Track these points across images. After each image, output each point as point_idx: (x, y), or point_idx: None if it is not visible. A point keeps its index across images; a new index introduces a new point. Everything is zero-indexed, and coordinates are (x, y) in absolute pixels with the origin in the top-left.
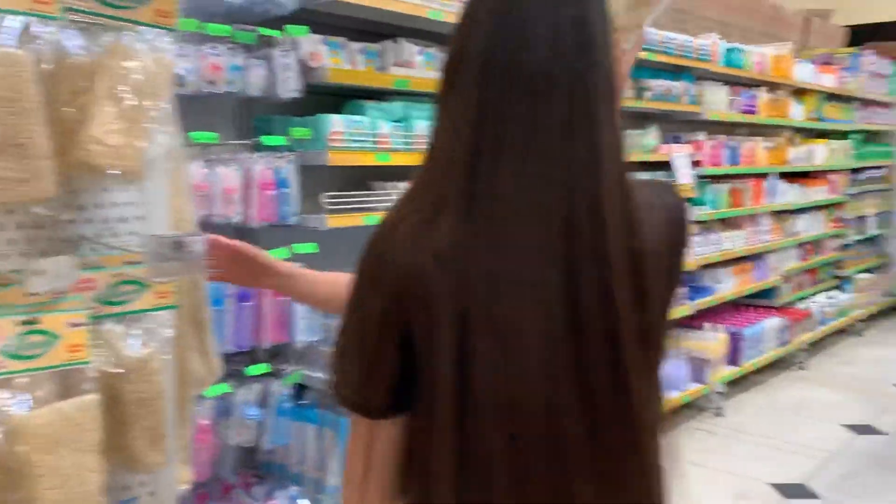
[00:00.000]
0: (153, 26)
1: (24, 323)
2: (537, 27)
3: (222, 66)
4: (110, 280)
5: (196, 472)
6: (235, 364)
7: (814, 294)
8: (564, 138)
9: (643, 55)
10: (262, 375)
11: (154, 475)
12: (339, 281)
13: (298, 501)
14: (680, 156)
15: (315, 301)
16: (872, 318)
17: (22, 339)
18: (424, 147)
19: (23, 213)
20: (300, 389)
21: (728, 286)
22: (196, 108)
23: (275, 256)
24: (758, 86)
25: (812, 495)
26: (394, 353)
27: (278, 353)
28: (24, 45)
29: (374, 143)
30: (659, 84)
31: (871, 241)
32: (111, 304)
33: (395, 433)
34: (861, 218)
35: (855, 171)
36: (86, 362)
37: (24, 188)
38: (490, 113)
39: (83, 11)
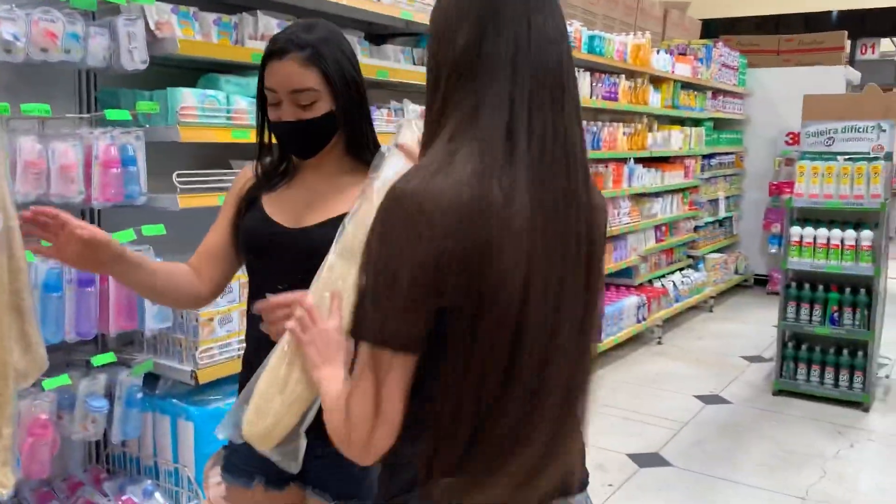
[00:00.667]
0: None
1: None
2: (549, 34)
3: (57, 33)
4: None
5: (36, 470)
6: (79, 354)
7: (669, 273)
8: (572, 125)
9: None
10: (109, 365)
11: None
12: (175, 271)
13: (155, 494)
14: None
15: (152, 292)
16: (722, 295)
17: None
18: (428, 120)
19: None
20: (153, 379)
21: None
22: (29, 78)
23: (119, 239)
24: (618, 73)
25: (665, 463)
26: (429, 297)
27: (128, 342)
28: None
29: (229, 118)
30: None
31: (721, 222)
32: None
33: (406, 376)
34: (713, 201)
35: (706, 156)
36: None
37: None
38: (519, 102)
39: None
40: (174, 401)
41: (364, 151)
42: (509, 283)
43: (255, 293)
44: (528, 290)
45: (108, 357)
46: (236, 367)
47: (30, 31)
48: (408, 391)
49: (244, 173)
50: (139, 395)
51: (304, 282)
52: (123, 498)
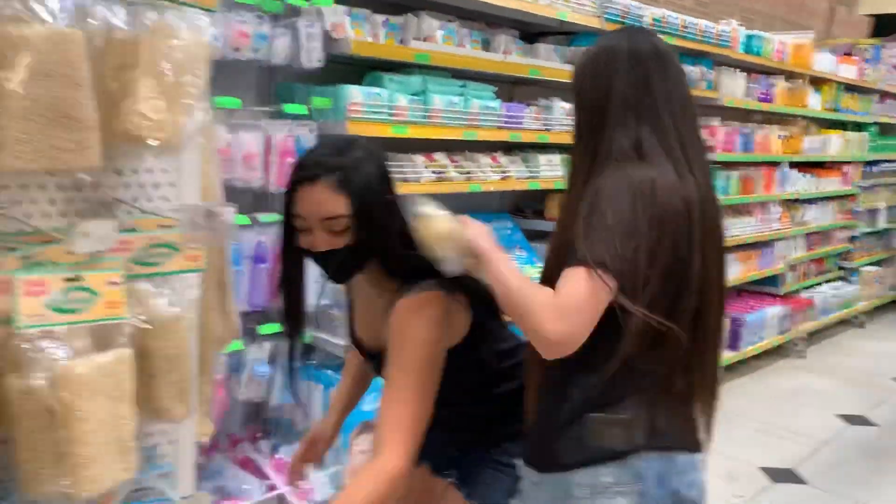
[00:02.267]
0: (194, 6)
1: (68, 280)
2: (683, 71)
3: (249, 34)
4: (145, 242)
5: None
6: (249, 322)
7: (819, 284)
8: (702, 138)
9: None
10: (274, 335)
11: (177, 426)
12: (356, 379)
13: None
14: None
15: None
16: (876, 311)
17: (66, 294)
18: (586, 147)
19: (64, 175)
20: (309, 350)
21: (733, 272)
22: (220, 74)
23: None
24: (776, 73)
25: (800, 480)
26: (653, 245)
27: None
28: (76, 22)
29: (391, 115)
30: None
31: (880, 234)
32: (145, 264)
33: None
34: (872, 211)
35: (869, 163)
36: (123, 318)
37: (74, 157)
38: (681, 123)
39: None
40: (328, 371)
41: (398, 272)
42: (695, 245)
43: None
44: (704, 253)
45: (275, 327)
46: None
47: (226, 33)
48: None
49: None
50: (298, 364)
51: None
52: (277, 456)
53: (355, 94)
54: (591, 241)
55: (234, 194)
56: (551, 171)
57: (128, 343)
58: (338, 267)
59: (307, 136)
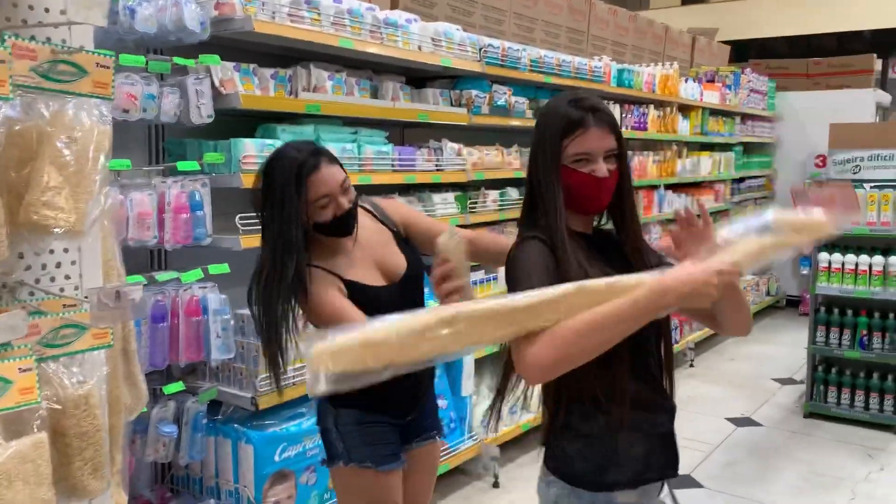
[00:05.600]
0: (92, 96)
1: None
2: None
3: (137, 95)
4: (53, 325)
5: None
6: (151, 383)
7: None
8: None
9: (540, 78)
10: (178, 393)
11: (95, 501)
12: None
13: None
14: None
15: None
16: (754, 316)
17: None
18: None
19: None
20: (216, 406)
21: None
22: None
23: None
24: (647, 103)
25: (697, 484)
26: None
27: (193, 371)
28: None
29: None
30: None
31: None
32: (53, 346)
33: None
34: None
35: (736, 181)
36: (37, 402)
37: None
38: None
39: (29, 87)
40: (235, 426)
41: None
42: None
43: None
44: None
45: (178, 386)
46: (293, 394)
47: (115, 96)
48: None
49: (324, 277)
50: (204, 421)
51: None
52: None
53: (248, 146)
54: None
55: (129, 254)
56: (445, 208)
57: (42, 426)
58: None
59: (201, 191)
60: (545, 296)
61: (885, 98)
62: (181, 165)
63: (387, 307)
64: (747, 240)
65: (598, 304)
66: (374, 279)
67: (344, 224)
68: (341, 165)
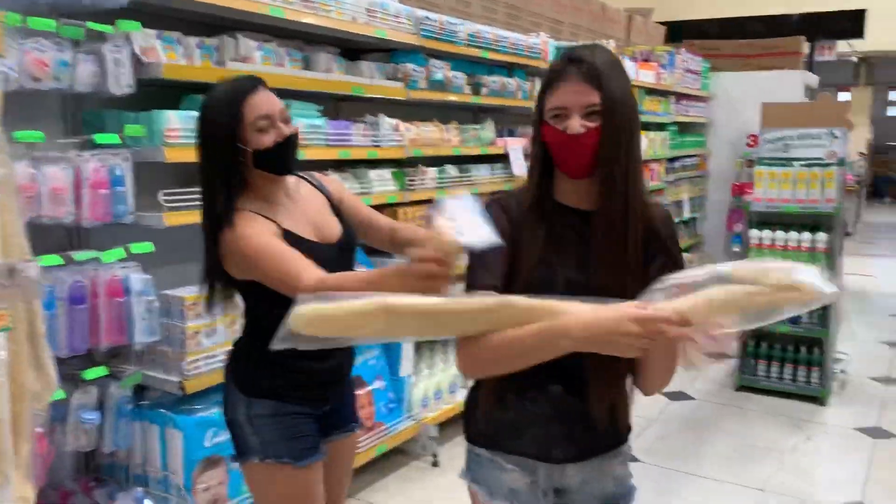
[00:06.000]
0: None
1: None
2: None
3: (48, 62)
4: None
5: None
6: (71, 368)
7: None
8: None
9: (478, 53)
10: (100, 378)
11: None
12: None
13: (144, 502)
14: (515, 148)
15: None
16: None
17: None
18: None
19: None
20: (141, 391)
21: None
22: (20, 105)
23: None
24: None
25: (633, 459)
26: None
27: (116, 355)
28: None
29: None
30: (494, 80)
31: (686, 223)
32: None
33: None
34: (678, 202)
35: (671, 160)
36: None
37: None
38: None
39: None
40: (162, 411)
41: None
42: None
43: None
44: None
45: (100, 371)
46: (221, 378)
47: (22, 61)
48: None
49: (258, 219)
50: (129, 406)
51: None
52: None
53: (172, 119)
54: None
55: (43, 232)
56: (382, 185)
57: None
58: (295, 148)
59: (122, 165)
60: (471, 305)
61: (813, 79)
62: (99, 138)
63: (323, 267)
64: (710, 290)
65: (528, 321)
66: (311, 236)
67: (285, 153)
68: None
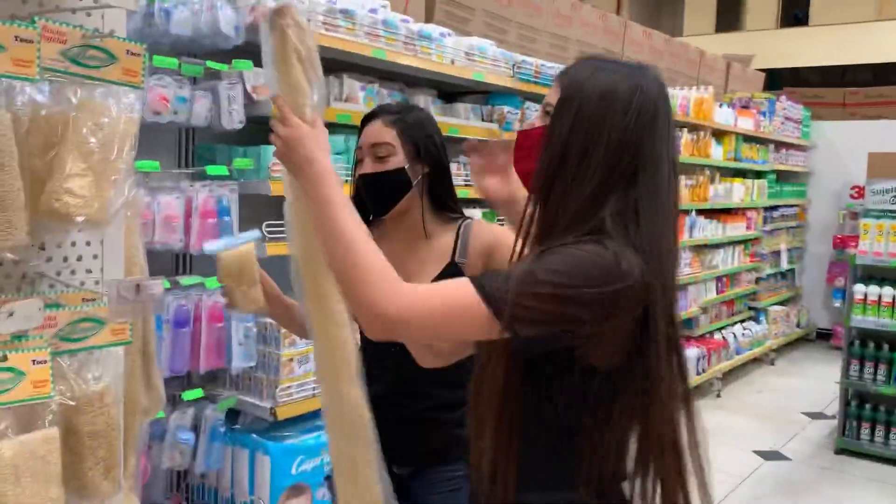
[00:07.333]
0: (121, 84)
1: None
2: None
3: (169, 97)
4: (70, 318)
5: None
6: (171, 388)
7: (730, 324)
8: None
9: None
10: (197, 400)
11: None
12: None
13: None
14: None
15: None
16: (784, 348)
17: None
18: None
19: None
20: (233, 415)
21: None
22: (140, 137)
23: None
24: (681, 127)
25: None
26: None
27: (213, 379)
28: (2, 102)
29: None
30: None
31: (784, 275)
32: (69, 340)
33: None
34: (775, 253)
35: (769, 209)
36: (49, 396)
37: (1, 238)
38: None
39: (58, 71)
40: (254, 435)
41: (442, 209)
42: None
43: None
44: None
45: (197, 392)
46: (312, 405)
47: (146, 96)
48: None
49: None
50: (222, 429)
51: None
52: None
53: None
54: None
55: (154, 257)
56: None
57: (54, 422)
58: (381, 189)
59: (229, 196)
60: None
61: None
62: (210, 170)
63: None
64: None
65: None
66: None
67: (365, 188)
68: (422, 147)
